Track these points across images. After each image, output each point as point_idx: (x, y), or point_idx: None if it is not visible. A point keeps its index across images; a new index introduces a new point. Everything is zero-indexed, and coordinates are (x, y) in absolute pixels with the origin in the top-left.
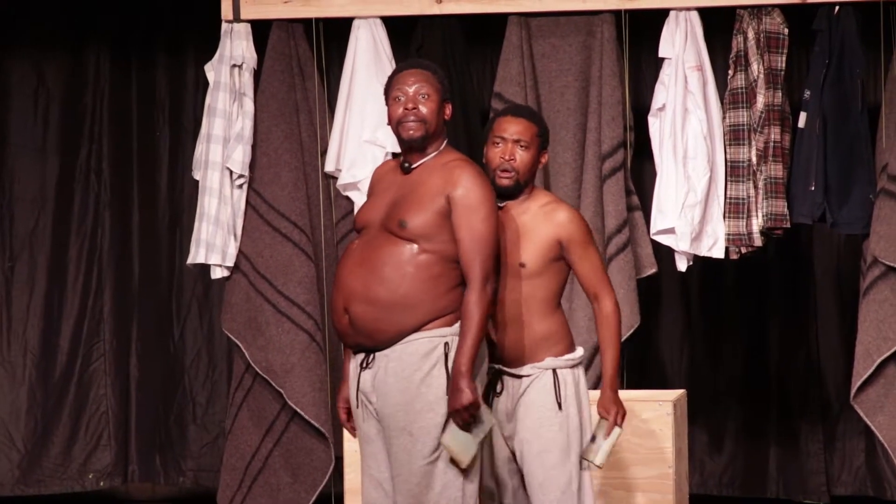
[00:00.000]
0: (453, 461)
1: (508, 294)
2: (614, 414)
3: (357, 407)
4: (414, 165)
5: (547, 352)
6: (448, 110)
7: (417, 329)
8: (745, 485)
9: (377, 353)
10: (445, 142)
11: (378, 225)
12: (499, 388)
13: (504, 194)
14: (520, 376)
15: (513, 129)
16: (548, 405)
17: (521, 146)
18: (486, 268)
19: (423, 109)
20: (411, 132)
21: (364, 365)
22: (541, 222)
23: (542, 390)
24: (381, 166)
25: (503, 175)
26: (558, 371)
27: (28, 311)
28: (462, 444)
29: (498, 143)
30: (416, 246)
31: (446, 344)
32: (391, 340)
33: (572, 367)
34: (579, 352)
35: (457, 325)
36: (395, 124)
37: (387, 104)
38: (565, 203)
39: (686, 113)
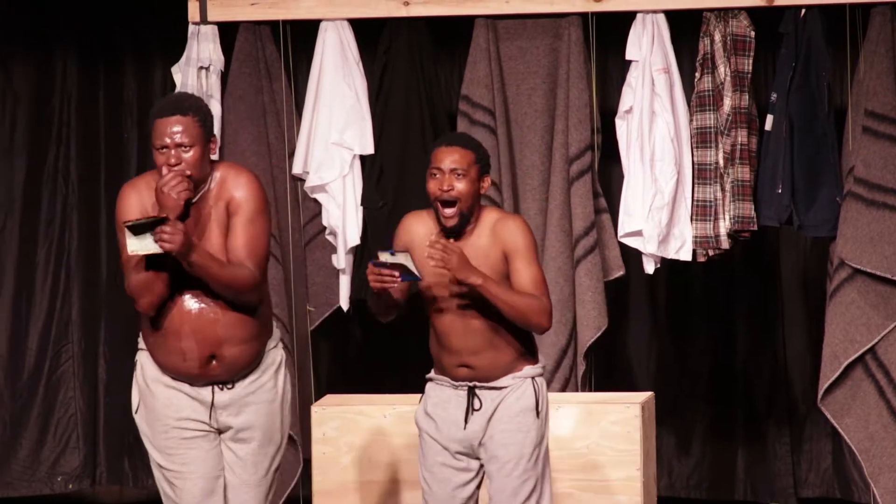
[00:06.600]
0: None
1: (478, 321)
2: (449, 261)
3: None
4: (194, 200)
5: (525, 362)
6: (215, 145)
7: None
8: (713, 487)
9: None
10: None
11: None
12: (476, 404)
13: (453, 232)
14: (499, 388)
15: (448, 158)
16: (527, 411)
17: (458, 175)
18: (260, 263)
19: (186, 157)
20: (183, 193)
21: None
22: (491, 240)
23: (522, 396)
24: (131, 189)
25: (447, 214)
26: (536, 379)
27: None
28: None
29: (435, 174)
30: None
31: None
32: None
33: (541, 374)
34: (542, 360)
35: (277, 332)
36: (163, 184)
37: (152, 148)
38: (513, 215)
39: (653, 115)
